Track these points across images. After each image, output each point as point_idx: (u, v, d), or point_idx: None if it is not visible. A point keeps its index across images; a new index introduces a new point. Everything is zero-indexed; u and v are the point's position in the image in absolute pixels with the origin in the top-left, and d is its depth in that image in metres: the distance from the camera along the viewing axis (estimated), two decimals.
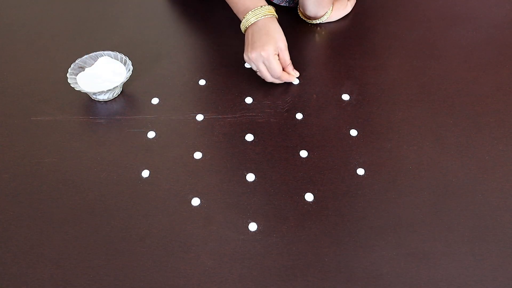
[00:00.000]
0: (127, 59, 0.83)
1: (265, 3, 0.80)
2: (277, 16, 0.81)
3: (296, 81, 0.84)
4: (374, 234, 0.66)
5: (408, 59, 0.88)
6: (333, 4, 0.91)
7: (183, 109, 0.81)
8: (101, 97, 0.81)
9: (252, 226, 0.67)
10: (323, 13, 0.91)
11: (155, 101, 0.82)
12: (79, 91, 0.79)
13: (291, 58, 0.81)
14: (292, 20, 0.95)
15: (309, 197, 0.70)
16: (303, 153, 0.75)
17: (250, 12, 0.79)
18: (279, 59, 0.79)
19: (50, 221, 0.68)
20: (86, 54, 0.83)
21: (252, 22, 0.79)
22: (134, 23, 0.95)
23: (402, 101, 0.81)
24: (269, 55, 0.77)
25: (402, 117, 0.79)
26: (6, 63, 0.89)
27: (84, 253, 0.65)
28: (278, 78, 0.80)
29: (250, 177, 0.72)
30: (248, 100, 0.82)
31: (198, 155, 0.75)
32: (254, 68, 0.81)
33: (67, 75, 0.80)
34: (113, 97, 0.82)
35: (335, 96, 0.82)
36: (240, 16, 0.82)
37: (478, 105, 0.80)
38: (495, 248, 0.65)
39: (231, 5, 0.83)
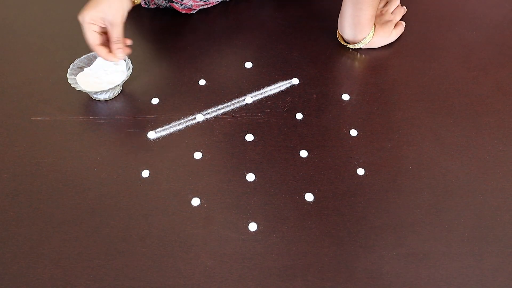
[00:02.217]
0: (126, 57, 0.83)
1: None
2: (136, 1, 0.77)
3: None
4: (374, 234, 0.66)
5: (408, 59, 0.88)
6: (375, 30, 0.87)
7: (183, 109, 0.81)
8: (102, 97, 0.81)
9: (252, 226, 0.67)
10: (361, 38, 0.86)
11: (155, 101, 0.82)
12: (79, 91, 0.79)
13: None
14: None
15: (309, 197, 0.70)
16: (303, 153, 0.75)
17: None
18: (106, 32, 0.75)
19: (50, 221, 0.68)
20: (86, 54, 0.83)
21: None
22: (134, 23, 0.95)
23: (402, 101, 0.81)
24: (83, 22, 0.73)
25: (402, 117, 0.79)
26: (6, 63, 0.89)
27: (84, 253, 0.65)
28: (93, 50, 0.76)
29: (250, 177, 0.72)
30: (248, 100, 0.82)
31: (198, 155, 0.75)
32: None
33: (67, 75, 0.80)
34: (113, 96, 0.82)
35: (335, 96, 0.82)
36: None
37: (478, 105, 0.80)
38: (495, 248, 0.65)
39: None
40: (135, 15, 0.96)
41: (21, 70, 0.87)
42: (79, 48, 0.88)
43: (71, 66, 0.81)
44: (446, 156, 0.74)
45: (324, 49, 0.90)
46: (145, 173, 0.73)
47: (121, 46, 0.76)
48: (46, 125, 0.79)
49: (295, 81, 0.85)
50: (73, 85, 0.79)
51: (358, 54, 0.89)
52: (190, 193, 0.70)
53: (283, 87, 0.84)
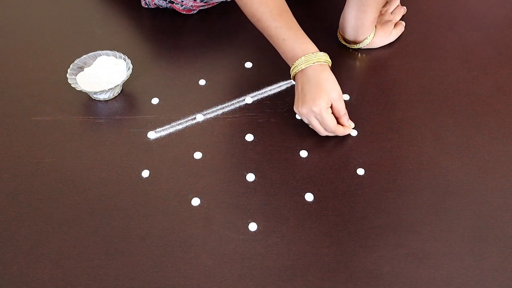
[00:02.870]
0: (126, 57, 0.83)
1: (316, 49, 0.73)
2: (330, 63, 0.74)
3: (354, 132, 0.77)
4: (374, 234, 0.66)
5: (408, 59, 0.88)
6: (376, 30, 0.87)
7: (183, 109, 0.81)
8: (102, 97, 0.81)
9: (252, 226, 0.67)
10: (363, 38, 0.86)
11: (155, 101, 0.82)
12: (79, 91, 0.79)
13: None
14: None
15: (309, 197, 0.70)
16: (303, 153, 0.75)
17: (299, 59, 0.72)
18: (332, 111, 0.73)
19: (50, 221, 0.68)
20: (86, 54, 0.83)
21: (300, 69, 0.72)
22: (134, 23, 0.95)
23: (402, 101, 0.81)
24: (321, 110, 0.71)
25: (402, 117, 0.79)
26: (6, 63, 0.89)
27: (84, 253, 0.65)
28: (332, 132, 0.74)
29: (250, 177, 0.72)
30: (248, 100, 0.82)
31: (198, 155, 0.75)
32: (306, 122, 0.75)
33: (67, 75, 0.80)
34: (113, 96, 0.82)
35: None
36: (289, 63, 0.75)
37: (478, 105, 0.80)
38: (495, 248, 0.65)
39: (279, 50, 0.76)
40: (135, 15, 0.97)
41: (21, 70, 0.87)
42: (79, 48, 0.88)
43: (71, 66, 0.81)
44: (446, 156, 0.74)
45: (324, 49, 0.90)
46: (145, 173, 0.73)
47: (347, 117, 0.75)
48: (46, 125, 0.79)
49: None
50: (73, 85, 0.79)
51: (359, 54, 0.89)
52: (190, 193, 0.70)
53: (283, 87, 0.84)
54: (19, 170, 0.73)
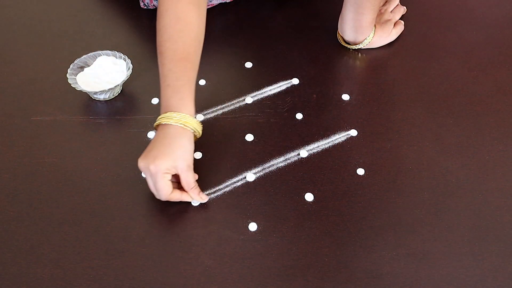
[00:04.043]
0: (126, 57, 0.83)
1: (193, 113, 0.67)
2: (198, 134, 0.68)
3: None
4: (374, 234, 0.66)
5: (408, 59, 0.88)
6: (375, 30, 0.87)
7: None
8: (102, 97, 0.81)
9: (252, 226, 0.67)
10: (362, 39, 0.86)
11: (155, 101, 0.82)
12: (79, 91, 0.79)
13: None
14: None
15: (309, 197, 0.70)
16: (303, 153, 0.75)
17: (169, 112, 0.66)
18: (179, 180, 0.67)
19: (50, 221, 0.68)
20: (86, 54, 0.83)
21: (163, 123, 0.66)
22: (134, 23, 0.95)
23: (402, 101, 0.81)
24: (157, 172, 0.64)
25: (402, 117, 0.79)
26: (6, 63, 0.89)
27: (84, 253, 0.65)
28: (165, 199, 0.67)
29: (250, 177, 0.72)
30: (248, 100, 0.82)
31: (198, 155, 0.75)
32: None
33: (67, 75, 0.80)
34: (113, 96, 0.82)
35: (335, 96, 0.82)
36: (160, 111, 0.68)
37: (478, 105, 0.80)
38: (495, 248, 0.65)
39: (160, 94, 0.69)
40: (135, 15, 0.97)
41: (21, 70, 0.87)
42: (79, 48, 0.88)
43: (71, 66, 0.81)
44: (446, 156, 0.74)
45: (324, 49, 0.90)
46: None
47: (199, 190, 0.68)
48: (46, 125, 0.79)
49: (295, 81, 0.85)
50: (73, 85, 0.79)
51: (359, 54, 0.89)
52: None
53: (283, 87, 0.84)
54: (19, 170, 0.73)
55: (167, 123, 0.65)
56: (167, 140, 0.65)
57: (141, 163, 0.65)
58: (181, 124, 0.65)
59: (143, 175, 0.72)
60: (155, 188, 0.66)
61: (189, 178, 0.66)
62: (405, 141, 0.76)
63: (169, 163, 0.64)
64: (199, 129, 0.67)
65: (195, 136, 0.68)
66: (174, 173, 0.66)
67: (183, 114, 0.66)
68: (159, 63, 0.69)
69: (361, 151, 0.75)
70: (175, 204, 0.69)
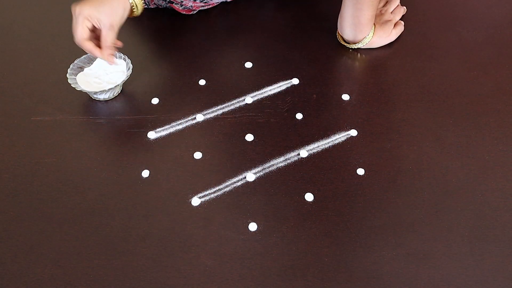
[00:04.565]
0: (126, 57, 0.83)
1: None
2: (135, 9, 0.77)
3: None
4: (374, 234, 0.66)
5: (408, 59, 0.88)
6: (375, 30, 0.86)
7: (183, 109, 0.81)
8: (102, 97, 0.81)
9: (252, 226, 0.67)
10: (362, 38, 0.85)
11: (155, 101, 0.82)
12: (79, 91, 0.79)
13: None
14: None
15: (309, 197, 0.70)
16: (303, 153, 0.75)
17: None
18: (99, 33, 0.74)
19: (50, 221, 0.68)
20: (86, 54, 0.83)
21: None
22: (134, 23, 0.95)
23: (402, 101, 0.81)
24: (79, 14, 0.72)
25: (402, 117, 0.79)
26: (6, 63, 0.89)
27: (84, 253, 0.65)
28: (79, 44, 0.74)
29: (250, 177, 0.72)
30: (248, 100, 0.82)
31: (198, 155, 0.75)
32: None
33: (67, 75, 0.80)
34: (113, 96, 0.82)
35: (335, 96, 0.82)
36: None
37: (478, 105, 0.80)
38: (495, 248, 0.65)
39: None
40: None
41: (21, 70, 0.87)
42: (79, 48, 0.88)
43: (71, 66, 0.81)
44: (446, 156, 0.74)
45: (324, 49, 0.90)
46: (145, 173, 0.73)
47: (113, 52, 0.76)
48: (46, 125, 0.79)
49: (295, 81, 0.85)
50: (73, 85, 0.79)
51: (358, 54, 0.89)
52: (190, 193, 0.70)
53: (283, 87, 0.84)
54: (19, 170, 0.73)
55: None
56: None
57: (74, 5, 0.73)
58: None
59: (143, 174, 0.72)
60: (74, 31, 0.73)
61: (107, 36, 0.73)
62: (405, 141, 0.76)
63: (92, 12, 0.71)
64: (137, 3, 0.75)
65: (133, 10, 0.75)
66: (95, 25, 0.72)
67: None
68: None
69: (361, 151, 0.75)
70: (175, 204, 0.69)
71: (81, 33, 0.72)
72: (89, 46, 0.74)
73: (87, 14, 0.71)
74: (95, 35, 0.76)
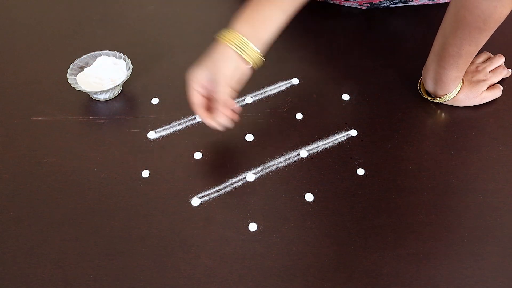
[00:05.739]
0: (126, 57, 0.83)
1: (246, 30, 0.65)
2: (246, 59, 0.66)
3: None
4: (374, 234, 0.66)
5: (408, 59, 0.88)
6: (462, 86, 0.77)
7: (183, 109, 0.80)
8: (102, 97, 0.81)
9: (252, 226, 0.67)
10: (442, 94, 0.77)
11: (155, 101, 0.82)
12: (79, 91, 0.79)
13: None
14: None
15: (309, 197, 0.70)
16: (303, 153, 0.75)
17: (228, 31, 0.66)
18: (211, 94, 0.67)
19: (50, 221, 0.68)
20: (86, 54, 0.83)
21: (217, 38, 0.66)
22: (134, 23, 0.95)
23: (402, 101, 0.81)
24: (191, 79, 0.66)
25: (402, 117, 0.79)
26: (6, 63, 0.89)
27: (84, 253, 0.65)
28: (194, 111, 0.68)
29: (250, 177, 0.72)
30: (248, 100, 0.82)
31: (198, 155, 0.75)
32: None
33: (67, 75, 0.80)
34: (113, 96, 0.82)
35: (335, 96, 0.82)
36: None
37: (478, 105, 0.80)
38: (495, 248, 0.65)
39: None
40: (135, 15, 0.96)
41: (21, 70, 0.87)
42: (79, 48, 0.88)
43: (71, 66, 0.81)
44: (446, 156, 0.74)
45: (325, 49, 0.90)
46: (145, 173, 0.73)
47: (226, 114, 0.66)
48: (46, 125, 0.79)
49: (295, 81, 0.85)
50: (73, 85, 0.79)
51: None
52: (190, 193, 0.70)
53: (283, 87, 0.84)
54: (19, 170, 0.73)
55: (220, 38, 0.66)
56: (210, 53, 0.66)
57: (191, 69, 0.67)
58: (227, 41, 0.65)
59: (143, 174, 0.72)
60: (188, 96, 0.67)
61: (221, 94, 0.65)
62: (405, 141, 0.76)
63: (201, 74, 0.65)
64: (246, 50, 0.65)
65: (241, 57, 0.65)
66: (208, 85, 0.66)
67: (233, 31, 0.65)
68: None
69: (361, 151, 0.75)
70: (175, 204, 0.69)
71: (192, 100, 0.67)
72: (202, 114, 0.67)
73: (196, 78, 0.66)
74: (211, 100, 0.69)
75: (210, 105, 0.68)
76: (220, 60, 0.65)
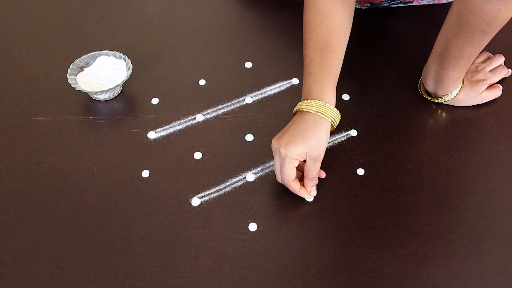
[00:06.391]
0: (126, 57, 0.83)
1: (332, 102, 0.67)
2: (335, 124, 0.67)
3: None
4: (374, 234, 0.66)
5: (408, 59, 0.88)
6: (462, 86, 0.77)
7: (183, 109, 0.81)
8: (102, 97, 0.81)
9: (252, 226, 0.67)
10: (442, 94, 0.77)
11: (155, 101, 0.82)
12: (79, 91, 0.79)
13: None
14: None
15: (309, 197, 0.70)
16: None
17: (309, 100, 0.66)
18: (303, 167, 0.68)
19: (50, 221, 0.68)
20: (86, 54, 0.83)
21: (302, 109, 0.66)
22: (134, 23, 0.95)
23: (402, 101, 0.81)
24: (287, 156, 0.64)
25: (402, 117, 0.79)
26: (6, 63, 0.89)
27: (84, 253, 0.65)
28: (285, 184, 0.68)
29: (250, 177, 0.72)
30: (248, 100, 0.82)
31: (198, 155, 0.75)
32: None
33: (67, 75, 0.80)
34: (113, 96, 0.82)
35: None
36: (301, 98, 0.69)
37: (478, 105, 0.80)
38: (495, 248, 0.65)
39: (303, 82, 0.70)
40: (135, 15, 0.96)
41: (21, 70, 0.87)
42: (79, 48, 0.88)
43: (71, 66, 0.81)
44: (446, 156, 0.74)
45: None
46: (145, 173, 0.73)
47: (315, 183, 0.69)
48: (46, 125, 0.79)
49: (295, 81, 0.85)
50: (73, 85, 0.79)
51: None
52: (190, 193, 0.71)
53: (283, 87, 0.84)
54: (19, 170, 0.73)
55: (307, 110, 0.66)
56: (303, 127, 0.65)
57: (274, 144, 0.66)
58: (320, 113, 0.65)
59: (143, 174, 0.72)
60: (279, 171, 0.67)
61: (312, 169, 0.66)
62: (405, 141, 0.76)
63: (300, 150, 0.65)
64: (337, 119, 0.67)
65: (332, 126, 0.67)
66: (302, 160, 0.66)
67: (323, 102, 0.66)
68: (303, 54, 0.71)
69: (361, 151, 0.75)
70: (175, 204, 0.69)
71: (290, 175, 0.66)
72: (295, 187, 0.67)
73: (295, 155, 0.64)
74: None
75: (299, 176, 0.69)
76: (316, 136, 0.65)
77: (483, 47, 0.69)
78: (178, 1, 0.99)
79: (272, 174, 0.72)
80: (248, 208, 0.69)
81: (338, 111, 0.67)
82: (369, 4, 0.95)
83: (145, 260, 0.64)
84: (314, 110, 0.65)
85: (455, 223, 0.67)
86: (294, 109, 0.68)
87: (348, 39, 0.73)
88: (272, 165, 0.73)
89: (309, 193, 0.68)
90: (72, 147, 0.76)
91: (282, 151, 0.65)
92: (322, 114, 0.65)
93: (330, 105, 0.66)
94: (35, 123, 0.79)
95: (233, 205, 0.69)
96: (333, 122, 0.67)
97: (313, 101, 0.66)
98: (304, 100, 0.67)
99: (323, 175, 0.70)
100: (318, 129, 0.65)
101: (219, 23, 0.95)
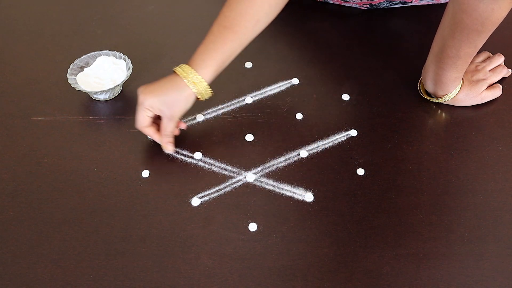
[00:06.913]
0: (126, 57, 0.83)
1: (208, 77, 0.69)
2: (201, 98, 0.71)
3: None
4: (374, 234, 0.66)
5: (408, 59, 0.88)
6: (462, 86, 0.77)
7: None
8: (102, 97, 0.81)
9: (252, 226, 0.67)
10: (442, 94, 0.77)
11: None
12: (79, 91, 0.79)
13: None
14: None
15: (309, 197, 0.70)
16: (303, 153, 0.75)
17: (188, 66, 0.70)
18: (158, 122, 0.72)
19: (50, 221, 0.68)
20: (86, 54, 0.83)
21: (176, 71, 0.70)
22: (134, 23, 0.95)
23: (402, 101, 0.81)
24: (142, 103, 0.70)
25: (402, 117, 0.79)
26: (6, 63, 0.89)
27: (84, 253, 0.65)
28: (138, 129, 0.73)
29: (250, 177, 0.72)
30: (248, 100, 0.82)
31: (197, 155, 0.75)
32: None
33: (67, 75, 0.80)
34: (113, 96, 0.82)
35: (335, 96, 0.82)
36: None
37: (478, 105, 0.80)
38: (495, 248, 0.65)
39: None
40: (135, 15, 0.97)
41: (21, 70, 0.87)
42: (79, 48, 0.88)
43: (71, 66, 0.81)
44: (446, 156, 0.74)
45: (324, 49, 0.90)
46: (145, 173, 0.73)
47: (171, 140, 0.73)
48: (46, 125, 0.79)
49: (295, 81, 0.85)
50: (73, 85, 0.79)
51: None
52: (190, 193, 0.70)
53: (283, 87, 0.84)
54: (19, 170, 0.73)
55: (179, 74, 0.69)
56: (167, 86, 0.70)
57: (139, 90, 0.71)
58: (187, 80, 0.69)
59: (143, 174, 0.72)
60: (136, 116, 0.72)
61: (167, 126, 0.71)
62: (405, 141, 0.76)
63: (155, 104, 0.69)
64: (205, 93, 0.71)
65: (198, 98, 0.71)
66: (157, 113, 0.70)
67: (197, 75, 0.69)
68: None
69: (361, 151, 0.75)
70: (175, 204, 0.69)
71: (141, 122, 0.71)
72: (149, 132, 0.73)
73: (149, 104, 0.69)
74: (157, 119, 0.74)
75: (155, 125, 0.74)
76: (177, 96, 0.69)
77: (479, 47, 0.69)
78: (178, 1, 0.99)
79: (273, 173, 0.72)
80: (248, 208, 0.69)
81: (210, 89, 0.70)
82: (368, 5, 0.95)
83: (145, 260, 0.64)
84: (184, 76, 0.69)
85: (455, 223, 0.67)
86: (175, 67, 0.71)
87: (262, 29, 0.72)
88: (273, 164, 0.73)
89: (164, 148, 0.74)
90: (72, 147, 0.76)
91: (140, 97, 0.70)
92: (189, 82, 0.69)
93: (204, 79, 0.69)
94: (35, 123, 0.79)
95: (233, 205, 0.69)
96: (200, 95, 0.70)
97: (189, 69, 0.69)
98: (187, 64, 0.70)
99: (183, 126, 0.76)
100: (180, 94, 0.69)
101: None
